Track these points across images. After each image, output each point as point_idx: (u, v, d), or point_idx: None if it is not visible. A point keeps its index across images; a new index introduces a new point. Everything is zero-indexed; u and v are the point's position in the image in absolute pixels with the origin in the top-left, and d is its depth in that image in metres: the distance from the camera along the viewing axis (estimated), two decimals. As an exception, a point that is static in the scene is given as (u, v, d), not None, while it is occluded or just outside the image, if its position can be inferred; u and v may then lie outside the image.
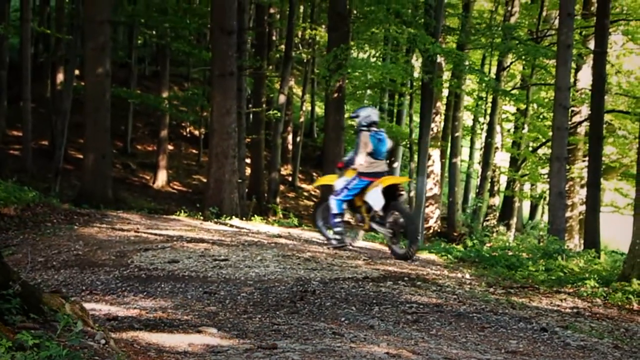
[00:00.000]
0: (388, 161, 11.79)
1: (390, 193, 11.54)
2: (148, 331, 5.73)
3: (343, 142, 22.07)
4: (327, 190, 13.25)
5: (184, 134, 36.71)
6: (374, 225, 11.83)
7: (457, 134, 32.33)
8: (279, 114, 28.36)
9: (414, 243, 11.33)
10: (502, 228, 28.94)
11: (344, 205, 11.92)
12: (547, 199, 19.61)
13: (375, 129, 11.86)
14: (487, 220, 31.07)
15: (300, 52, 34.85)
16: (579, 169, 26.65)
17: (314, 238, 12.90)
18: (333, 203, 11.88)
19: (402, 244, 11.63)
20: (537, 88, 32.46)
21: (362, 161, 11.60)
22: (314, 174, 35.37)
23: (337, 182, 12.07)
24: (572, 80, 22.31)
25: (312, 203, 29.90)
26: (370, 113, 12.05)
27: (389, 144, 12.09)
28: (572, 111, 25.34)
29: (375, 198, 11.45)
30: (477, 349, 5.94)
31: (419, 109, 26.49)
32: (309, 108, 38.68)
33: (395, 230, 11.57)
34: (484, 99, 33.88)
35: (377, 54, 31.47)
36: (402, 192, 11.89)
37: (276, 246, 11.06)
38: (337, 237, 11.91)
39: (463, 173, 37.36)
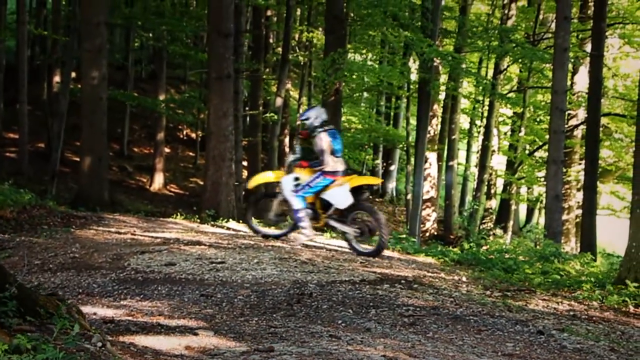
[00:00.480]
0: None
1: (355, 192, 11.86)
2: (145, 334, 5.73)
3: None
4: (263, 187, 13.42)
5: (181, 136, 36.72)
6: (333, 223, 12.11)
7: (454, 137, 32.38)
8: (275, 117, 28.36)
9: (383, 241, 11.62)
10: (498, 231, 28.98)
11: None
12: (544, 202, 19.62)
13: (327, 127, 12.02)
14: (484, 223, 31.11)
15: (297, 54, 34.81)
16: (576, 172, 26.71)
17: (311, 241, 12.89)
18: (295, 199, 12.06)
19: (372, 242, 11.98)
20: (533, 91, 32.52)
21: (330, 161, 11.86)
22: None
23: (285, 179, 12.29)
24: (568, 83, 22.33)
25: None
26: (320, 113, 12.27)
27: (341, 141, 12.36)
28: (569, 114, 25.39)
29: (341, 197, 11.81)
30: (473, 351, 5.94)
31: (415, 111, 26.49)
32: (306, 111, 38.69)
33: (363, 229, 11.85)
34: (481, 102, 33.91)
35: (374, 57, 31.53)
36: (366, 191, 12.26)
37: (273, 249, 11.06)
38: (305, 230, 12.16)
39: (460, 176, 37.41)
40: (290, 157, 12.64)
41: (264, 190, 12.77)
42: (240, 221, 17.25)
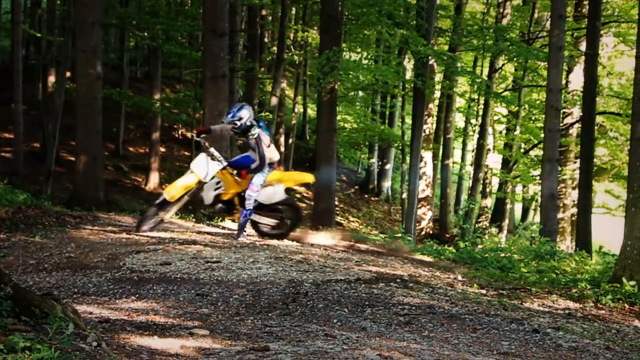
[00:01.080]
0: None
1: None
2: (140, 334, 5.72)
3: (335, 144, 22.10)
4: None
5: (176, 136, 36.68)
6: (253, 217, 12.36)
7: (449, 136, 32.39)
8: (271, 116, 28.35)
9: (297, 226, 12.60)
10: (494, 230, 28.97)
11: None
12: (539, 200, 19.66)
13: (259, 124, 12.14)
14: (479, 222, 31.14)
15: (292, 54, 34.83)
16: (571, 170, 26.75)
17: (301, 240, 12.92)
18: (253, 200, 12.10)
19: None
20: (528, 90, 32.55)
21: (270, 155, 12.02)
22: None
23: (208, 185, 12.25)
24: (563, 82, 22.38)
25: (305, 205, 29.84)
26: (250, 110, 12.19)
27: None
28: (564, 113, 25.43)
29: (273, 194, 12.17)
30: (469, 350, 5.95)
31: (411, 110, 26.50)
32: (301, 110, 38.71)
33: (281, 221, 12.49)
34: (476, 100, 33.96)
35: (369, 56, 31.55)
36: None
37: (268, 248, 11.05)
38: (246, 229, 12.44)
39: (455, 175, 37.41)
40: (216, 165, 12.20)
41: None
42: (236, 220, 17.24)
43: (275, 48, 33.11)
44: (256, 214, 12.29)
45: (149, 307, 6.95)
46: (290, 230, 12.63)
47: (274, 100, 28.95)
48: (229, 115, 12.10)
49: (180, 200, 12.41)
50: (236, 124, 12.01)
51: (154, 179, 30.06)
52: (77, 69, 19.54)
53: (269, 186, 12.14)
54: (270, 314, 6.91)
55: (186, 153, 34.98)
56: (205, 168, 12.12)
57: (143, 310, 6.78)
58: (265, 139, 11.97)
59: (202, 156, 12.30)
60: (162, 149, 32.68)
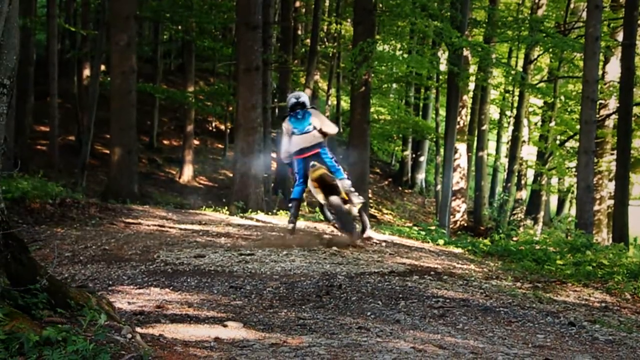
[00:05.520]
0: (314, 130, 11.79)
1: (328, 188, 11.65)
2: (174, 325, 5.75)
3: (369, 137, 22.02)
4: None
5: (210, 128, 36.81)
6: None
7: (483, 128, 32.20)
8: (304, 109, 28.31)
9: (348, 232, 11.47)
10: (529, 222, 28.82)
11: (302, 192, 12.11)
12: (575, 192, 19.48)
13: (290, 113, 11.97)
14: (514, 215, 30.93)
15: (325, 46, 34.80)
16: (607, 162, 26.46)
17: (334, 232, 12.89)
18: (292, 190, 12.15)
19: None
20: (564, 81, 32.28)
21: (284, 147, 11.90)
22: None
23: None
24: (600, 72, 22.12)
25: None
26: (290, 96, 12.23)
27: (313, 116, 11.97)
28: (600, 104, 25.17)
29: (314, 193, 11.76)
30: (504, 343, 5.91)
31: (445, 102, 26.39)
32: (335, 102, 38.65)
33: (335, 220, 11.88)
34: (511, 92, 33.72)
35: (403, 48, 31.44)
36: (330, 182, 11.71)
37: (301, 238, 11.05)
38: (289, 221, 12.20)
39: (490, 167, 37.22)
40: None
41: None
42: (270, 213, 17.28)
43: (308, 40, 33.09)
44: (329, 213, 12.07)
45: (182, 299, 6.98)
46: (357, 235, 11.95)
47: (307, 93, 28.93)
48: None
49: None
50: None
51: (187, 171, 30.19)
52: (112, 63, 19.69)
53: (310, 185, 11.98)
54: (303, 307, 6.91)
55: (220, 146, 35.08)
56: None
57: (177, 302, 6.80)
58: (286, 127, 11.86)
59: None
60: (196, 142, 32.80)
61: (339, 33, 34.37)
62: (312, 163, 11.44)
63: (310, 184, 11.44)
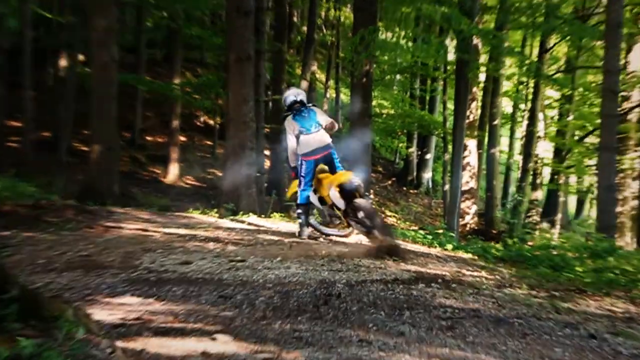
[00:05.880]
0: (321, 127, 11.99)
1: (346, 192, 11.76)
2: (158, 338, 5.73)
3: (370, 131, 22.02)
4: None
5: (198, 124, 36.83)
6: (351, 222, 12.15)
7: (495, 123, 32.23)
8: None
9: (384, 236, 11.44)
10: (545, 225, 28.84)
11: (310, 197, 12.28)
12: (595, 192, 19.49)
13: (293, 110, 12.16)
14: (529, 217, 31.00)
15: (323, 34, 34.85)
16: (631, 159, 26.49)
17: (339, 237, 12.89)
18: (298, 195, 12.30)
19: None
20: (583, 72, 32.31)
21: (291, 149, 12.05)
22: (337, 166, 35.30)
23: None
24: (622, 62, 22.15)
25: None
26: (289, 94, 12.37)
27: (318, 114, 12.17)
28: (623, 96, 25.19)
29: (336, 199, 11.80)
30: (518, 357, 5.89)
31: (453, 95, 26.39)
32: (334, 95, 38.67)
33: (365, 227, 11.78)
34: (525, 84, 33.77)
35: (408, 35, 31.42)
36: (352, 185, 11.87)
37: (298, 245, 11.05)
38: (299, 228, 12.49)
39: (502, 165, 37.27)
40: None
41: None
42: (262, 216, 17.27)
43: (305, 28, 33.14)
44: (352, 221, 12.11)
45: (167, 310, 6.96)
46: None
47: (304, 85, 28.97)
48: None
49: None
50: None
51: (173, 170, 30.20)
52: (91, 52, 19.65)
53: (330, 189, 12.04)
54: (299, 318, 6.89)
55: (208, 142, 35.11)
56: None
57: (161, 314, 6.78)
58: (291, 126, 11.94)
59: None
60: (183, 138, 32.82)
61: (338, 20, 34.44)
62: (319, 167, 11.64)
63: (332, 190, 11.54)
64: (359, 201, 11.39)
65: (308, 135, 11.92)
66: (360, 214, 11.54)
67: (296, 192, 12.67)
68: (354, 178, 11.54)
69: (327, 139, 12.02)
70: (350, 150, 20.48)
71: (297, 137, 11.95)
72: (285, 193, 13.42)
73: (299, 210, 12.29)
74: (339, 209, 12.05)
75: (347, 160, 19.06)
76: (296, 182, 12.90)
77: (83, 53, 27.96)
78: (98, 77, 19.04)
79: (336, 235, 12.79)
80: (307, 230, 12.41)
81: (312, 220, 13.04)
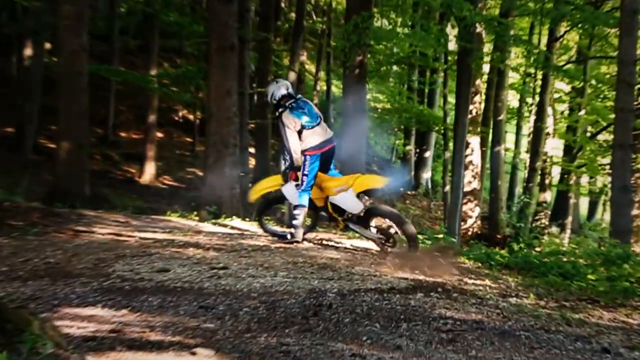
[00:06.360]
0: (321, 118, 12.18)
1: (366, 194, 12.14)
2: (133, 353, 5.72)
3: (364, 127, 22.03)
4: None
5: (176, 119, 36.82)
6: (353, 227, 12.36)
7: (500, 118, 32.27)
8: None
9: (413, 243, 11.88)
10: (554, 229, 28.91)
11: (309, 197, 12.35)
12: (609, 194, 19.54)
13: (288, 103, 12.19)
14: (537, 220, 31.05)
15: (313, 21, 34.85)
16: (648, 158, 26.58)
17: (330, 241, 12.91)
18: (296, 196, 12.26)
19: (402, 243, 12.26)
20: (596, 62, 32.41)
21: (297, 147, 12.00)
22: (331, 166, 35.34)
23: (287, 188, 12.50)
24: (638, 52, 22.21)
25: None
26: (279, 86, 12.40)
27: (312, 104, 12.39)
28: (639, 89, 25.25)
29: (350, 202, 12.02)
30: (525, 373, 5.91)
31: (454, 88, 26.43)
32: (324, 88, 38.70)
33: (387, 235, 12.17)
34: (533, 75, 33.80)
35: (405, 22, 31.51)
36: (376, 192, 12.43)
37: (285, 251, 11.05)
38: (293, 231, 12.37)
39: (508, 164, 37.33)
40: (282, 165, 12.64)
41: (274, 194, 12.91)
42: (247, 219, 17.27)
43: (293, 14, 33.11)
44: (357, 226, 12.26)
45: (143, 322, 6.96)
46: (390, 247, 12.27)
47: (292, 76, 28.96)
48: (264, 96, 12.56)
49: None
50: (272, 103, 12.41)
51: (149, 170, 30.18)
52: (59, 40, 19.60)
53: (342, 192, 12.12)
54: (287, 330, 6.90)
55: (188, 139, 35.11)
56: (282, 167, 12.63)
57: (136, 326, 6.78)
58: (291, 120, 11.94)
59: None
60: (160, 135, 32.81)
61: (330, 6, 34.46)
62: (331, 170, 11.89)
63: (349, 192, 11.91)
64: (384, 208, 11.65)
65: (312, 128, 11.98)
66: (386, 222, 11.80)
67: (269, 193, 12.78)
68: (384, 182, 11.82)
69: (330, 131, 12.18)
70: (343, 148, 20.47)
71: (299, 133, 11.97)
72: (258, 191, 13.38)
73: (297, 212, 12.28)
74: (335, 212, 12.17)
75: (339, 160, 19.09)
76: (267, 180, 13.04)
77: (50, 41, 27.90)
78: (66, 67, 19.00)
79: (280, 237, 12.86)
80: (301, 233, 12.42)
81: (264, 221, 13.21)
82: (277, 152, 30.11)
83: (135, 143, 32.81)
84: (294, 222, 12.32)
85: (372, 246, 12.74)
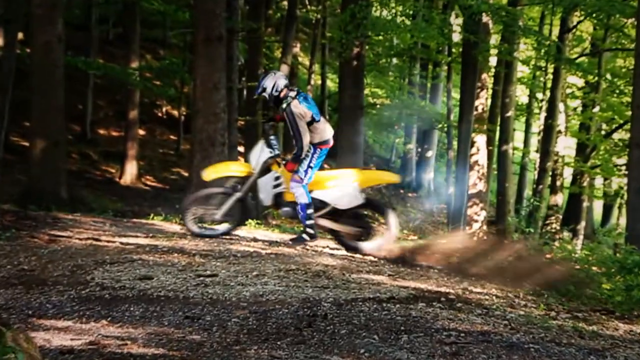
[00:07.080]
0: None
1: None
2: (113, 367, 5.74)
3: (362, 125, 22.04)
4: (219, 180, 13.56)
5: (160, 115, 36.81)
6: (324, 222, 12.54)
7: (508, 115, 32.28)
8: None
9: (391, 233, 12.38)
10: (566, 234, 28.92)
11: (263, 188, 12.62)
12: (625, 197, 19.57)
13: (295, 92, 12.32)
14: (547, 225, 31.09)
15: (307, 10, 34.85)
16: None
17: (326, 247, 12.91)
18: (301, 191, 12.26)
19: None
20: (611, 55, 32.42)
21: (305, 142, 12.08)
22: (325, 165, 35.40)
23: (264, 180, 12.60)
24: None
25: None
26: (278, 77, 12.48)
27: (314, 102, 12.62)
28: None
29: (348, 197, 12.27)
30: (534, 389, 5.93)
31: (459, 82, 26.45)
32: (319, 81, 38.70)
33: (367, 228, 12.61)
34: (543, 69, 33.84)
35: (406, 12, 31.52)
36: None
37: (277, 258, 11.06)
38: (311, 230, 12.42)
39: (516, 164, 37.36)
40: (266, 153, 12.59)
41: (225, 185, 12.92)
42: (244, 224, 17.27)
43: (285, 2, 33.11)
44: (330, 221, 12.38)
45: (124, 334, 6.97)
46: (381, 242, 12.59)
47: (285, 69, 28.96)
48: (256, 89, 12.58)
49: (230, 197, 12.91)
50: (264, 97, 12.50)
51: (130, 169, 30.16)
52: (32, 30, 19.58)
53: (340, 185, 12.23)
54: (279, 342, 6.91)
55: (172, 137, 35.09)
56: (256, 156, 12.64)
57: (116, 338, 6.79)
58: (302, 110, 11.98)
59: (259, 143, 12.83)
60: (142, 132, 32.79)
61: (325, -7, 34.45)
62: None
63: (354, 186, 12.09)
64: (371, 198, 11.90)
65: (320, 122, 12.11)
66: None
67: (227, 180, 12.92)
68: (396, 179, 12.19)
69: (330, 128, 12.39)
70: (339, 146, 20.47)
71: (309, 125, 12.04)
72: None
73: (310, 211, 12.30)
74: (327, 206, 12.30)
75: (335, 158, 19.13)
76: (233, 164, 13.28)
77: (23, 31, 27.87)
78: (40, 59, 18.98)
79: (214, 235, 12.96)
80: (314, 228, 12.48)
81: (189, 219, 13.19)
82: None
83: (115, 141, 32.80)
84: (307, 222, 12.32)
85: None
